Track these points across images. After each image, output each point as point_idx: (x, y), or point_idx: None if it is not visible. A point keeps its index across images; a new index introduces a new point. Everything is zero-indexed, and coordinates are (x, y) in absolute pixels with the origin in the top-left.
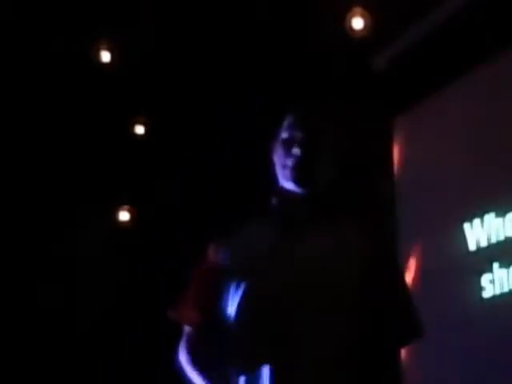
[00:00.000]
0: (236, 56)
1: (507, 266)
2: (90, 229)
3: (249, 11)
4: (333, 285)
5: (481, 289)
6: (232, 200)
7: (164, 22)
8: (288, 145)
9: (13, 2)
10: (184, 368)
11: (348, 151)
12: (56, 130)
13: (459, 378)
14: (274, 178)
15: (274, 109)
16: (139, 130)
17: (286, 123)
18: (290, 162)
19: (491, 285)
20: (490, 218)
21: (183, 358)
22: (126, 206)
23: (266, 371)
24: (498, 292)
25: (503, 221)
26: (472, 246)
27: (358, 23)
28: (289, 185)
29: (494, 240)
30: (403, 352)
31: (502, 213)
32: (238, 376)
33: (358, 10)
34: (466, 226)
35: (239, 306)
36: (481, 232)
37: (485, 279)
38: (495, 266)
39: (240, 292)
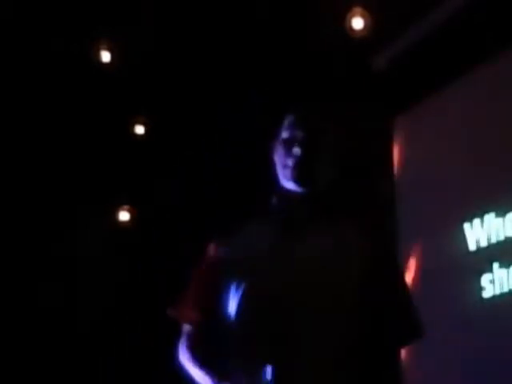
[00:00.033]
0: (236, 56)
1: (507, 266)
2: (89, 229)
3: (249, 11)
4: (333, 285)
5: (481, 289)
6: (232, 200)
7: (164, 22)
8: (288, 144)
9: (13, 2)
10: (185, 366)
11: (348, 151)
12: (56, 130)
13: (459, 378)
14: (274, 178)
15: (273, 109)
16: (139, 129)
17: (286, 123)
18: (290, 162)
19: (491, 285)
20: (489, 218)
21: (185, 355)
22: (126, 206)
23: (267, 371)
24: (497, 292)
25: (503, 221)
26: (472, 246)
27: (357, 23)
28: (289, 184)
29: (494, 240)
30: (403, 352)
31: (501, 213)
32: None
33: (357, 9)
34: (466, 226)
35: (239, 305)
36: (481, 232)
37: (485, 279)
38: (495, 266)
39: (240, 292)
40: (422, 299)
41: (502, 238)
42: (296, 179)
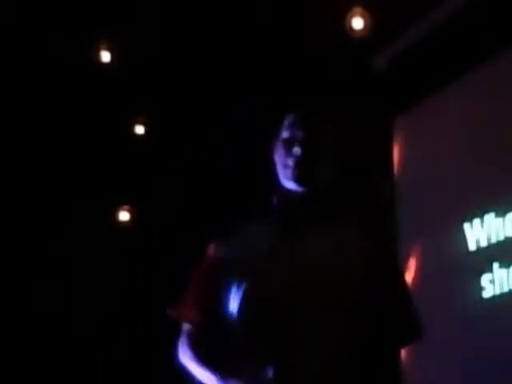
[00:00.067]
0: (236, 56)
1: (507, 266)
2: (89, 229)
3: (249, 11)
4: (333, 285)
5: (481, 289)
6: (232, 200)
7: (164, 22)
8: (289, 144)
9: (13, 2)
10: (187, 365)
11: (348, 151)
12: (56, 130)
13: (459, 378)
14: (274, 178)
15: (274, 109)
16: (139, 129)
17: (286, 123)
18: (290, 162)
19: (491, 285)
20: (489, 218)
21: (186, 354)
22: (126, 206)
23: (268, 371)
24: (497, 292)
25: (503, 221)
26: (472, 246)
27: (358, 23)
28: (289, 184)
29: (494, 240)
30: (403, 352)
31: (501, 213)
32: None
33: (357, 9)
34: (466, 226)
35: (239, 306)
36: (481, 232)
37: (485, 279)
38: (495, 266)
39: (240, 292)
40: (421, 299)
41: (501, 238)
42: (296, 179)
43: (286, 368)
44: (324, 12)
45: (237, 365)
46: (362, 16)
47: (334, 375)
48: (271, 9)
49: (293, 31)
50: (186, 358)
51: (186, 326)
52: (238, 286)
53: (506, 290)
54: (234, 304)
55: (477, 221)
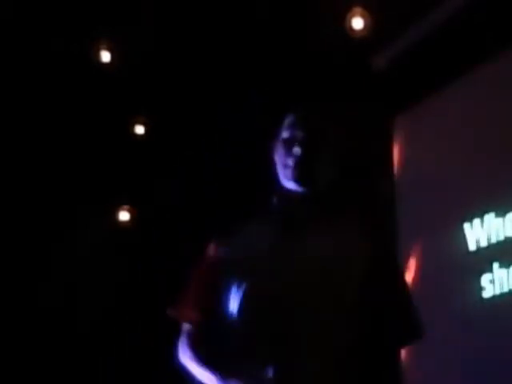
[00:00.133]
0: (236, 56)
1: (507, 266)
2: (89, 229)
3: (249, 11)
4: (333, 285)
5: (481, 289)
6: (232, 200)
7: (164, 22)
8: (289, 144)
9: (13, 2)
10: (187, 365)
11: (348, 151)
12: (56, 130)
13: (459, 378)
14: (274, 178)
15: (274, 109)
16: (139, 129)
17: (286, 123)
18: (290, 162)
19: (491, 285)
20: (489, 218)
21: (186, 354)
22: (126, 206)
23: (268, 371)
24: (497, 292)
25: (503, 221)
26: (472, 246)
27: (357, 23)
28: (289, 184)
29: (494, 240)
30: (403, 352)
31: (501, 213)
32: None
33: (357, 9)
34: (466, 226)
35: (239, 306)
36: (481, 232)
37: (485, 279)
38: (495, 266)
39: (240, 292)
40: (421, 299)
41: (501, 238)
42: (296, 179)
43: (286, 368)
44: (324, 12)
45: (237, 365)
46: (362, 16)
47: (334, 375)
48: (271, 9)
49: (293, 31)
50: (186, 358)
51: (185, 326)
52: (238, 286)
53: (505, 289)
54: (233, 304)
55: (477, 221)
